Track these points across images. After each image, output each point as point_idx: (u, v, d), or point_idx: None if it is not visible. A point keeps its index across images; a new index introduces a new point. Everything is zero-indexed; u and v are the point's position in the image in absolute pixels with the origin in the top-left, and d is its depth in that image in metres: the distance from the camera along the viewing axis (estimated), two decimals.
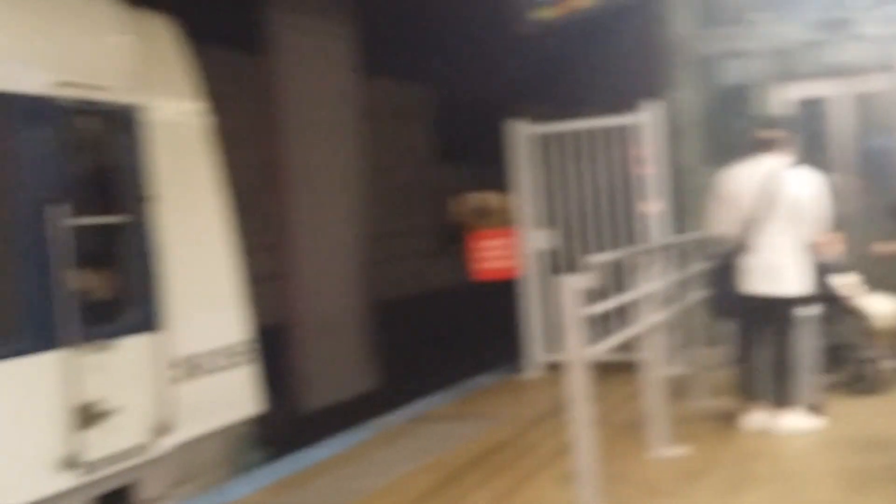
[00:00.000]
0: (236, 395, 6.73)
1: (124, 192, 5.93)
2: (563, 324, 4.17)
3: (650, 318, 5.31)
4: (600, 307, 4.58)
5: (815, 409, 6.06)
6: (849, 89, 8.28)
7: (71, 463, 5.24)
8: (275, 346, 11.48)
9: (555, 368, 8.58)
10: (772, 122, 6.11)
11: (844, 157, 8.34)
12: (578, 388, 4.19)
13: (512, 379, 8.65)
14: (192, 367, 6.29)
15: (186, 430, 6.17)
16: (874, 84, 8.21)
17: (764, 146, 6.00)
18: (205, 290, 6.60)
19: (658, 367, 5.56)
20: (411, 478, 5.45)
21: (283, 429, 7.54)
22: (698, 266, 6.80)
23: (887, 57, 8.13)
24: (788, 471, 5.08)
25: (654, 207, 8.55)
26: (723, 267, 6.03)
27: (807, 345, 6.04)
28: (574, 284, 4.15)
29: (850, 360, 6.78)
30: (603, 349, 4.41)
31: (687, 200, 8.86)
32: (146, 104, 6.14)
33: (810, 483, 4.82)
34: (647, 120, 8.27)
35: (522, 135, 8.79)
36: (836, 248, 6.95)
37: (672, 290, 6.12)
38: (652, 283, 5.52)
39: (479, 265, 8.88)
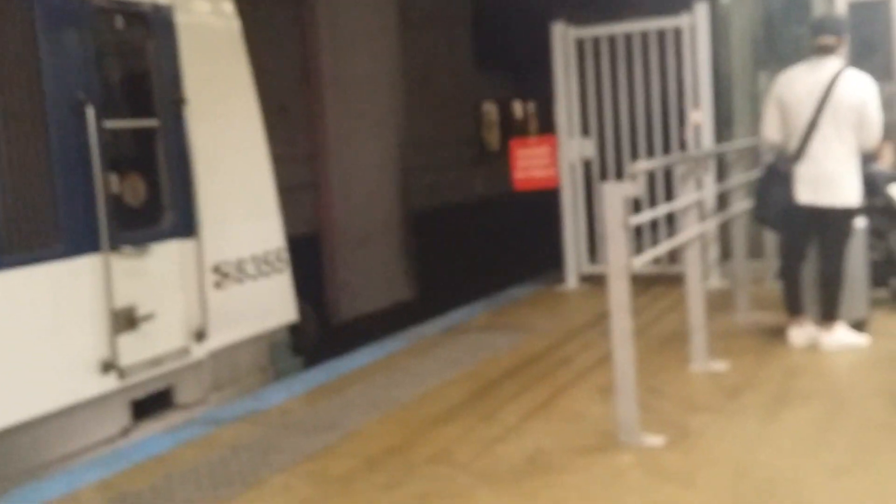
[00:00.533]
0: (271, 303, 6.72)
1: (157, 95, 5.82)
2: (605, 233, 4.03)
3: (693, 229, 5.14)
4: (643, 216, 4.42)
5: (861, 325, 5.90)
6: None
7: (109, 367, 5.27)
8: (309, 256, 11.55)
9: (593, 280, 8.52)
10: (830, 26, 5.77)
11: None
12: (619, 299, 4.07)
13: (549, 291, 8.55)
14: (227, 274, 6.26)
15: (222, 336, 6.18)
16: None
17: (822, 50, 5.70)
18: (238, 197, 6.53)
19: (700, 279, 5.41)
20: (445, 388, 5.41)
21: (317, 337, 7.55)
22: (744, 175, 6.61)
23: None
24: (833, 388, 4.96)
25: (697, 117, 8.28)
26: (771, 175, 5.81)
27: (856, 258, 5.85)
28: (617, 192, 3.99)
29: None
30: (645, 260, 4.27)
31: (734, 108, 8.59)
32: (177, 4, 5.98)
33: (855, 401, 4.70)
34: (693, 23, 7.91)
35: (563, 38, 8.48)
36: (888, 159, 6.69)
37: (716, 200, 5.94)
38: (695, 192, 5.33)
39: (517, 174, 8.69)
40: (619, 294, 4.05)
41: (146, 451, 4.63)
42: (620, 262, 3.99)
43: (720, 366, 5.42)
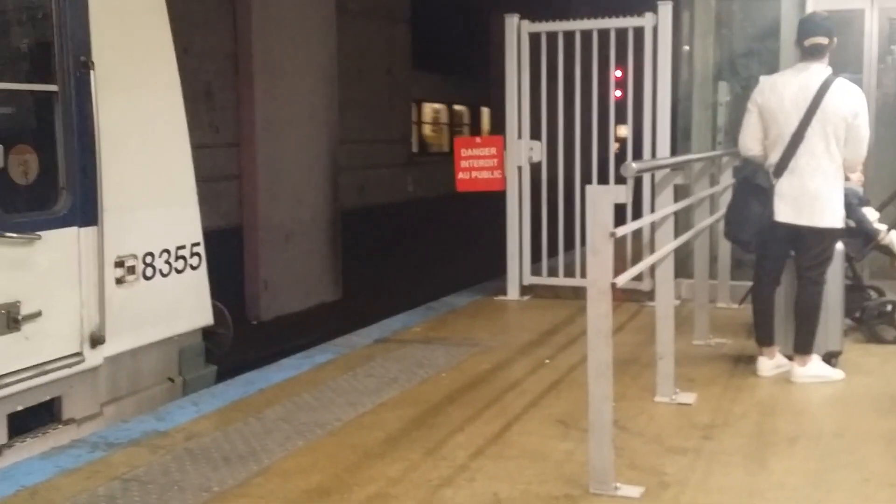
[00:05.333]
0: (182, 303, 5.92)
1: (58, 56, 4.97)
2: (588, 244, 3.40)
3: (672, 244, 4.57)
4: (629, 227, 3.83)
5: (833, 357, 5.43)
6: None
7: None
8: (229, 251, 10.73)
9: (535, 291, 7.94)
10: (823, 25, 5.25)
11: (869, 76, 7.56)
12: (598, 324, 3.44)
13: (489, 301, 7.93)
14: (132, 269, 5.44)
15: (123, 341, 5.37)
16: None
17: (813, 52, 5.17)
18: (150, 182, 5.71)
19: (671, 301, 4.84)
20: (381, 412, 4.72)
21: (232, 340, 6.76)
22: (711, 188, 6.11)
23: None
24: (818, 431, 4.42)
25: (623, 130, 7.79)
26: (746, 190, 5.28)
27: (833, 285, 5.36)
28: (605, 197, 3.36)
29: (872, 303, 6.14)
30: (629, 277, 3.66)
31: (693, 118, 8.11)
32: None
33: (847, 449, 4.15)
34: (654, 24, 7.40)
35: (516, 32, 7.89)
36: (858, 177, 6.24)
37: (689, 212, 5.44)
38: (671, 204, 4.76)
39: (460, 175, 8.05)
40: (599, 317, 3.42)
41: (17, 480, 3.81)
42: (604, 278, 3.36)
43: (688, 398, 4.86)
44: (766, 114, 5.19)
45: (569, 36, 7.70)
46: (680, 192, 5.22)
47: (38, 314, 4.74)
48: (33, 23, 5.11)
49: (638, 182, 6.98)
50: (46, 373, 4.82)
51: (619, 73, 7.82)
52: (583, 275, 7.34)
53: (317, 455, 4.09)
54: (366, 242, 14.01)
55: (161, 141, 5.84)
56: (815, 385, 5.17)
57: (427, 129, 18.95)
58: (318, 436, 4.35)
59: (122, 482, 3.80)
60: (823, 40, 5.13)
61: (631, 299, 7.35)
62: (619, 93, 7.78)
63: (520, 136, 7.95)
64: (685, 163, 5.20)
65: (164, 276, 5.69)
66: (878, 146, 6.73)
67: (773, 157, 5.20)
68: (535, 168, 8.00)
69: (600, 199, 3.36)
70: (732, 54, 8.13)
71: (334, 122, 13.16)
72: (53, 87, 4.93)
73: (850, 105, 5.06)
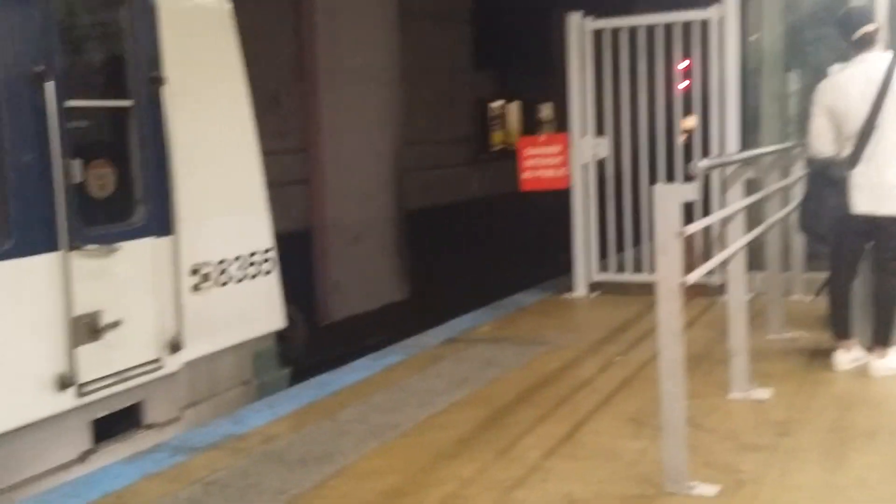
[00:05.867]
0: (256, 308, 6.05)
1: (132, 72, 5.13)
2: (656, 243, 3.38)
3: (743, 239, 4.50)
4: (698, 224, 3.79)
5: None
6: None
7: (67, 382, 4.59)
8: (299, 254, 10.90)
9: (603, 288, 7.90)
10: (866, 13, 5.15)
11: None
12: (669, 323, 3.42)
13: (557, 299, 7.91)
14: (207, 276, 5.58)
15: (200, 346, 5.51)
16: None
17: (865, 42, 5.07)
18: (222, 191, 5.84)
19: (744, 296, 4.77)
20: (452, 413, 4.76)
21: (305, 342, 6.88)
22: (782, 181, 6.00)
23: None
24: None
25: (690, 122, 7.70)
26: (820, 181, 5.17)
27: None
28: (673, 196, 3.34)
29: None
30: (699, 275, 3.62)
31: (762, 110, 7.96)
32: None
33: None
34: (722, 16, 7.29)
35: (580, 30, 7.84)
36: None
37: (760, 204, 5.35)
38: (744, 198, 4.69)
39: (524, 174, 8.05)
40: (669, 316, 3.40)
41: (102, 486, 3.95)
42: (674, 277, 3.34)
43: (763, 393, 4.79)
44: (836, 115, 5.07)
45: (632, 31, 7.64)
46: (751, 185, 5.16)
47: (118, 323, 4.90)
48: (107, 40, 5.28)
49: (706, 176, 6.89)
50: (128, 379, 4.98)
51: (685, 64, 7.73)
52: (651, 270, 7.27)
53: (391, 456, 4.15)
54: (432, 242, 14.08)
55: (231, 150, 5.97)
56: (894, 378, 5.04)
57: (491, 128, 18.93)
58: (392, 437, 4.41)
59: (203, 486, 3.90)
60: (871, 27, 5.04)
61: (702, 294, 7.25)
62: (686, 83, 7.69)
63: (584, 134, 7.91)
64: (755, 157, 5.11)
65: (237, 282, 5.83)
66: None
67: (846, 150, 5.08)
68: (601, 164, 7.95)
69: (668, 199, 3.33)
70: (801, 42, 7.96)
71: (399, 123, 13.26)
72: (128, 103, 5.09)
73: None
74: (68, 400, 4.61)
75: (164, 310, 5.21)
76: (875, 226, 5.05)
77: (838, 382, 5.04)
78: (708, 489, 3.53)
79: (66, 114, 4.60)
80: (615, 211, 7.85)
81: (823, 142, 5.17)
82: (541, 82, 19.15)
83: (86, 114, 5.10)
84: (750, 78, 7.97)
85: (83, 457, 4.75)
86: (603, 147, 7.92)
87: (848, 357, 5.25)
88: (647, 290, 7.20)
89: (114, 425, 5.00)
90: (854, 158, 5.04)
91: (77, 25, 5.03)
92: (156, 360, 5.16)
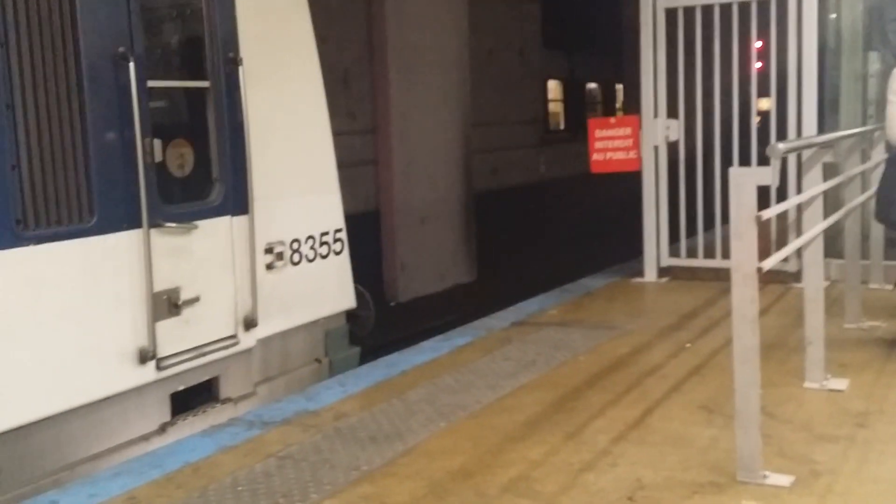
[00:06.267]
0: (327, 288, 6.14)
1: (209, 53, 5.22)
2: (732, 228, 3.33)
3: (821, 225, 4.41)
4: (775, 209, 3.73)
5: None
6: None
7: (147, 356, 4.73)
8: (367, 235, 11.00)
9: (673, 273, 7.81)
10: None
11: None
12: (744, 309, 3.37)
13: (626, 283, 7.85)
14: (281, 255, 5.69)
15: (273, 324, 5.63)
16: None
17: None
18: (296, 171, 5.94)
19: (818, 281, 4.68)
20: (520, 395, 4.77)
21: (373, 322, 6.95)
22: (862, 165, 5.84)
23: None
24: None
25: (764, 104, 7.53)
26: None
27: None
28: (748, 180, 3.29)
29: None
30: (776, 261, 3.56)
31: (841, 91, 7.75)
32: None
33: None
34: None
35: (652, 8, 7.73)
36: None
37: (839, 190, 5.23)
38: (820, 183, 4.59)
39: (594, 156, 7.98)
40: (744, 303, 3.36)
41: (181, 457, 4.07)
42: (750, 263, 3.29)
43: (839, 384, 4.69)
44: None
45: (707, 10, 7.50)
46: (829, 170, 5.04)
47: (196, 299, 5.03)
48: (184, 22, 5.39)
49: (783, 159, 6.75)
50: (205, 354, 5.11)
51: (760, 44, 7.57)
52: (724, 256, 7.17)
53: (459, 437, 4.19)
54: (500, 224, 14.07)
55: (305, 131, 6.06)
56: None
57: (560, 108, 18.78)
58: (460, 418, 4.45)
59: (278, 459, 4.00)
60: None
61: (776, 280, 7.13)
62: (759, 64, 7.53)
63: (656, 115, 7.81)
64: (834, 140, 4.99)
65: (309, 261, 5.92)
66: None
67: None
68: (672, 146, 7.85)
69: (744, 182, 3.28)
70: (882, 20, 7.72)
71: (467, 104, 13.24)
72: (205, 84, 5.19)
73: None
74: (149, 373, 4.75)
75: (240, 287, 5.32)
76: None
77: None
78: (782, 479, 3.49)
79: (146, 94, 4.72)
80: (686, 195, 7.74)
81: None
82: (613, 62, 18.97)
83: (165, 94, 5.22)
84: (829, 58, 7.77)
85: (162, 429, 4.90)
86: (674, 129, 7.81)
87: None
88: (718, 275, 7.15)
89: (191, 399, 5.14)
90: None
91: (157, 7, 5.14)
92: (232, 337, 5.28)
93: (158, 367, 4.80)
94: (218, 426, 4.53)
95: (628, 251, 8.50)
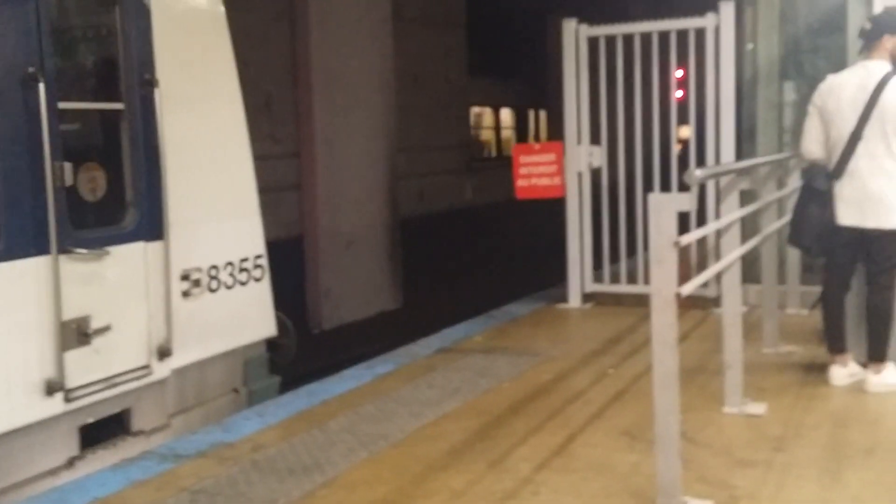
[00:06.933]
0: (246, 315, 5.99)
1: (124, 75, 5.07)
2: (651, 254, 3.34)
3: (738, 250, 4.47)
4: (694, 235, 3.76)
5: None
6: None
7: (55, 386, 4.53)
8: (290, 261, 10.84)
9: (597, 299, 7.86)
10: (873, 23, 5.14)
11: None
12: (664, 334, 3.38)
13: (551, 309, 7.87)
14: (198, 282, 5.53)
15: (189, 353, 5.45)
16: None
17: (866, 50, 5.08)
18: (214, 196, 5.79)
19: (736, 306, 4.74)
20: (443, 423, 4.71)
21: (296, 353, 6.82)
22: (778, 192, 5.97)
23: None
24: (893, 441, 4.29)
25: (684, 132, 7.70)
26: (807, 193, 5.16)
27: None
28: (667, 205, 3.31)
29: None
30: (694, 286, 3.59)
31: (758, 119, 7.94)
32: None
33: None
34: (716, 23, 7.28)
35: (575, 37, 7.82)
36: None
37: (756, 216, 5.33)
38: (737, 209, 4.66)
39: (519, 182, 8.00)
40: (663, 328, 3.36)
41: (89, 492, 3.89)
42: (669, 288, 3.30)
43: (757, 408, 4.75)
44: (825, 116, 5.07)
45: (627, 39, 7.62)
46: (746, 196, 5.13)
47: (107, 328, 4.84)
48: (99, 42, 5.24)
49: (702, 186, 6.88)
50: (116, 385, 4.92)
51: (680, 74, 7.72)
52: (646, 281, 7.20)
53: (380, 467, 4.10)
54: (425, 250, 14.05)
55: (224, 155, 5.93)
56: (890, 394, 5.01)
57: (485, 135, 18.93)
58: (382, 447, 4.36)
59: (191, 493, 3.85)
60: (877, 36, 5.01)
61: (696, 306, 7.22)
62: (680, 93, 7.67)
63: (579, 142, 7.89)
64: (751, 167, 5.09)
65: (228, 288, 5.77)
66: None
67: (833, 160, 5.07)
68: (596, 173, 7.93)
69: (663, 208, 3.30)
70: (798, 51, 7.95)
71: (392, 129, 13.23)
72: (120, 106, 5.04)
73: None
74: (56, 405, 4.55)
75: (154, 315, 5.15)
76: (862, 238, 5.03)
77: (834, 398, 5.01)
78: None
79: (57, 116, 4.55)
80: (610, 221, 7.82)
81: (812, 143, 5.16)
82: (536, 88, 19.22)
83: (77, 116, 5.05)
84: (746, 87, 7.97)
85: (70, 463, 4.69)
86: (597, 156, 7.89)
87: (844, 372, 5.22)
88: (642, 301, 7.19)
89: (101, 431, 4.94)
90: (839, 170, 5.02)
91: (69, 27, 4.98)
92: (144, 367, 5.10)
93: (67, 399, 4.60)
94: (129, 460, 4.36)
95: (554, 276, 8.53)
